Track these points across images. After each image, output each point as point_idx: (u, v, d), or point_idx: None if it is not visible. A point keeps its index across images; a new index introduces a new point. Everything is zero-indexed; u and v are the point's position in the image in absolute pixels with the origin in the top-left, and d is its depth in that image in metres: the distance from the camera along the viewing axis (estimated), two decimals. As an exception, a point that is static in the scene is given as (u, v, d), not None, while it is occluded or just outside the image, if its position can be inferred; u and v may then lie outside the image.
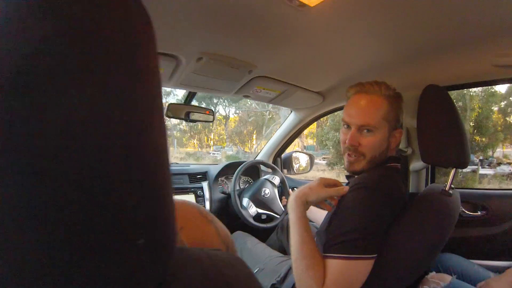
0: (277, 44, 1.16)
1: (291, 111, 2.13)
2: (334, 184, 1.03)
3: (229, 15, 0.95)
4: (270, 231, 1.96)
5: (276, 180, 2.02)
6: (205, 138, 13.51)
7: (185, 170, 2.07)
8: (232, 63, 1.26)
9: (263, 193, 1.91)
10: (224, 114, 13.94)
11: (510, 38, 1.05)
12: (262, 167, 2.29)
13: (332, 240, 0.87)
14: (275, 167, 2.11)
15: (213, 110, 1.81)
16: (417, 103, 1.11)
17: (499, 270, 1.24)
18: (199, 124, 13.43)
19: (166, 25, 1.01)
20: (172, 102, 1.67)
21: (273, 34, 1.07)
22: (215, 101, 13.23)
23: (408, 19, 0.97)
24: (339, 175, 7.58)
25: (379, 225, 0.87)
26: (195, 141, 13.24)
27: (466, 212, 1.58)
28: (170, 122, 12.59)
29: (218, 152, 11.22)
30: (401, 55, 1.25)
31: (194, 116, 1.73)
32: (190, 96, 1.72)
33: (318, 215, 1.62)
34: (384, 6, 0.90)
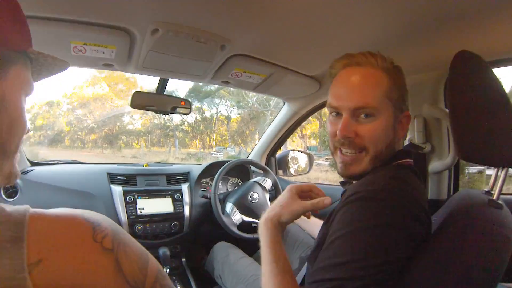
0: (256, 12, 0.90)
1: (284, 103, 1.86)
2: (309, 189, 0.81)
3: None
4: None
5: (268, 183, 1.76)
6: (208, 138, 13.39)
7: (163, 170, 1.83)
8: (197, 36, 1.00)
9: (250, 198, 1.65)
10: (226, 114, 13.81)
11: None
12: (254, 168, 2.02)
13: (315, 274, 0.60)
14: (267, 168, 1.85)
15: (190, 101, 1.54)
16: (438, 87, 0.80)
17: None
18: (201, 125, 13.33)
19: None
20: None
21: None
22: (217, 101, 13.09)
23: None
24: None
25: (387, 258, 0.56)
26: (197, 141, 13.11)
27: None
28: (172, 122, 12.51)
29: (220, 153, 11.09)
30: (416, 25, 0.94)
31: (166, 107, 1.48)
32: (161, 84, 1.46)
33: (316, 227, 1.33)
34: None
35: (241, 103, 13.01)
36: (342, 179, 0.89)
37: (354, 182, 0.79)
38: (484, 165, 1.15)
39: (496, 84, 0.73)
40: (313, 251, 0.72)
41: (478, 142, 0.71)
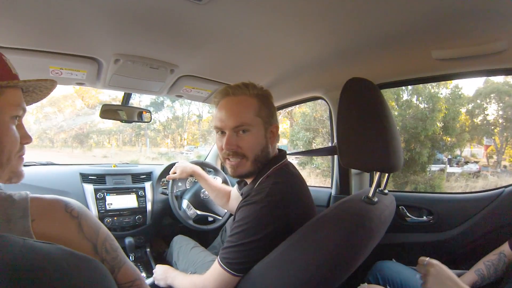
0: (194, 43, 1.16)
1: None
2: None
3: (137, 16, 0.96)
4: (215, 234, 1.94)
5: (218, 180, 1.96)
6: (179, 137, 13.35)
7: (129, 170, 2.03)
8: (150, 64, 1.27)
9: (202, 195, 1.87)
10: (198, 113, 13.85)
11: (450, 29, 1.01)
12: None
13: (221, 251, 0.94)
14: (216, 167, 2.07)
15: (151, 111, 1.80)
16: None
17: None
18: (173, 124, 13.27)
19: (80, 28, 1.03)
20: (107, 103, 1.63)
21: (185, 32, 1.07)
22: (188, 101, 13.08)
23: (342, 10, 0.93)
24: (310, 174, 7.64)
25: (259, 243, 0.87)
26: (168, 140, 13.05)
27: (411, 217, 1.49)
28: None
29: (191, 152, 11.08)
30: (334, 50, 1.19)
31: (131, 116, 1.73)
32: (126, 97, 1.71)
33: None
34: None
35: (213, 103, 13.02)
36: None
37: (247, 182, 1.08)
38: (361, 170, 1.41)
39: (379, 104, 0.89)
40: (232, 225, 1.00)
41: (355, 152, 0.90)
